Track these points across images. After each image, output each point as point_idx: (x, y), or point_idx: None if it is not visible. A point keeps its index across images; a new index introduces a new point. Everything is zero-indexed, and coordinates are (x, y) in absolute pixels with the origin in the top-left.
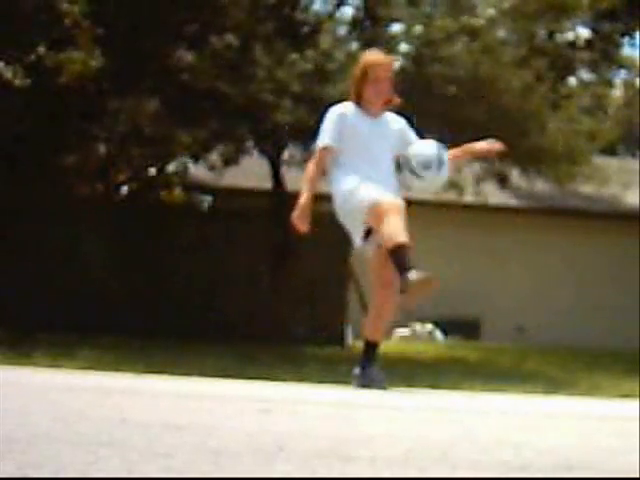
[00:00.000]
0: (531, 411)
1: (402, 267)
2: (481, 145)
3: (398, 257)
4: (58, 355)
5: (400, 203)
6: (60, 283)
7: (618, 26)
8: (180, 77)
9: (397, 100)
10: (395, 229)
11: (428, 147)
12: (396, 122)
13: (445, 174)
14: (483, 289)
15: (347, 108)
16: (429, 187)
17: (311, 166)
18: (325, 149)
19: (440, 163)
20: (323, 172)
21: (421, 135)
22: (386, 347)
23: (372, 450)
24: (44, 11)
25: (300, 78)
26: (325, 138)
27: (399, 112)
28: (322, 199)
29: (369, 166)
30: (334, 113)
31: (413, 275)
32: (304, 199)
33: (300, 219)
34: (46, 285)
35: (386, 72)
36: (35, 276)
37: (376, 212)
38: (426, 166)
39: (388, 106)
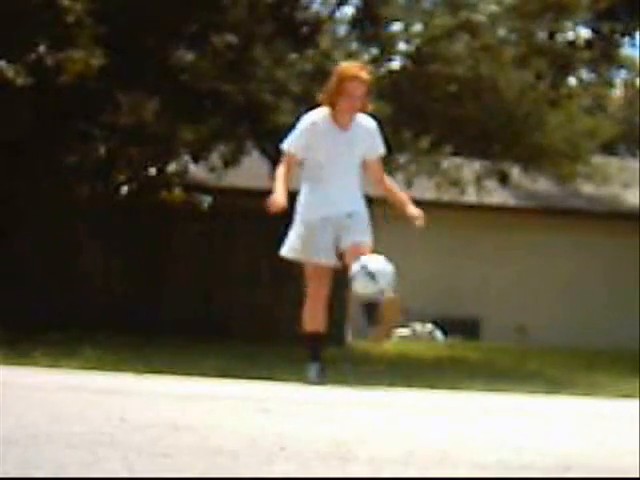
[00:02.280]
0: (531, 411)
1: (313, 352)
2: (412, 211)
3: (308, 342)
4: (58, 355)
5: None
6: (60, 283)
7: (618, 26)
8: (180, 76)
9: (369, 107)
10: (306, 315)
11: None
12: (365, 129)
13: (383, 285)
14: (483, 289)
15: (320, 117)
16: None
17: (281, 168)
18: (290, 155)
19: (375, 276)
20: (290, 170)
21: (386, 140)
22: (386, 347)
23: (372, 450)
24: (45, 9)
25: (300, 78)
26: (290, 144)
27: (372, 115)
28: None
29: (333, 178)
30: (307, 121)
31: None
32: (273, 195)
33: (273, 202)
34: (46, 285)
35: (362, 88)
36: (35, 275)
37: (307, 274)
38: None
39: (360, 112)
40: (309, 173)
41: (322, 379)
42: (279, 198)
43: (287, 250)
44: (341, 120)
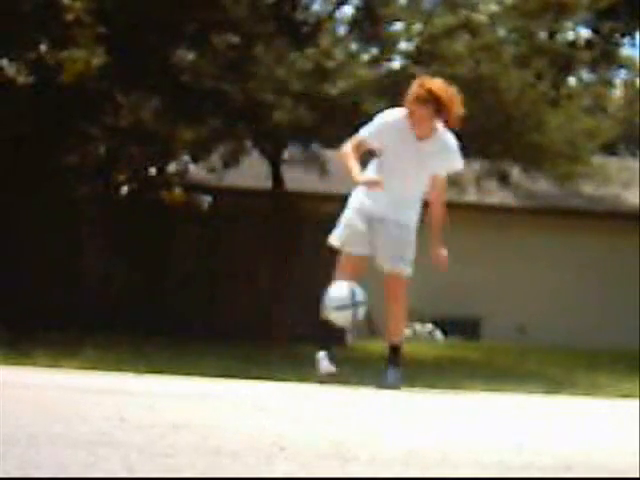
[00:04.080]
0: (531, 411)
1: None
2: (440, 253)
3: (323, 330)
4: (58, 355)
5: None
6: (60, 283)
7: (618, 26)
8: (180, 76)
9: (453, 120)
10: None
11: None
12: (443, 144)
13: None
14: (483, 289)
15: (400, 116)
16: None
17: (347, 148)
18: (362, 141)
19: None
20: (356, 155)
21: (470, 150)
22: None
23: (372, 450)
24: (45, 8)
25: (300, 77)
26: (366, 132)
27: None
28: (323, 199)
29: (397, 180)
30: (387, 116)
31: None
32: (356, 173)
33: (371, 184)
34: (47, 284)
35: (425, 111)
36: (35, 275)
37: (340, 259)
38: (339, 307)
39: (445, 127)
40: (379, 166)
41: (332, 372)
42: (368, 177)
43: (336, 239)
44: (417, 132)
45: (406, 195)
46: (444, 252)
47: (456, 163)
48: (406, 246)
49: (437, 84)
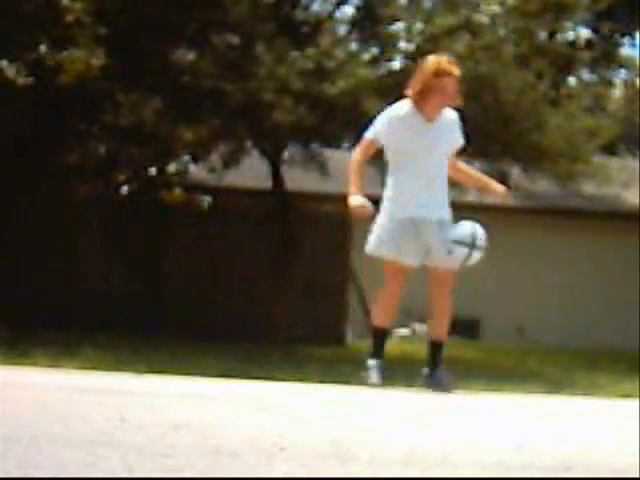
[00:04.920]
0: (531, 411)
1: (375, 348)
2: (497, 187)
3: (373, 338)
4: (58, 355)
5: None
6: (60, 283)
7: (618, 26)
8: (180, 76)
9: (457, 101)
10: (376, 309)
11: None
12: (450, 121)
13: (477, 255)
14: (482, 289)
15: (405, 109)
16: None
17: (357, 156)
18: (371, 142)
19: (473, 244)
20: (367, 161)
21: (466, 134)
22: (385, 347)
23: (372, 450)
24: (45, 8)
25: (300, 76)
26: (373, 131)
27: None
28: (323, 199)
29: (421, 173)
30: (392, 112)
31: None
32: (352, 192)
33: (357, 211)
34: (47, 284)
35: (455, 84)
36: (35, 275)
37: (386, 270)
38: (457, 242)
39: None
40: (395, 166)
41: (382, 380)
42: (360, 203)
43: (374, 247)
44: (429, 114)
45: (436, 187)
46: (499, 186)
47: (460, 139)
48: (451, 240)
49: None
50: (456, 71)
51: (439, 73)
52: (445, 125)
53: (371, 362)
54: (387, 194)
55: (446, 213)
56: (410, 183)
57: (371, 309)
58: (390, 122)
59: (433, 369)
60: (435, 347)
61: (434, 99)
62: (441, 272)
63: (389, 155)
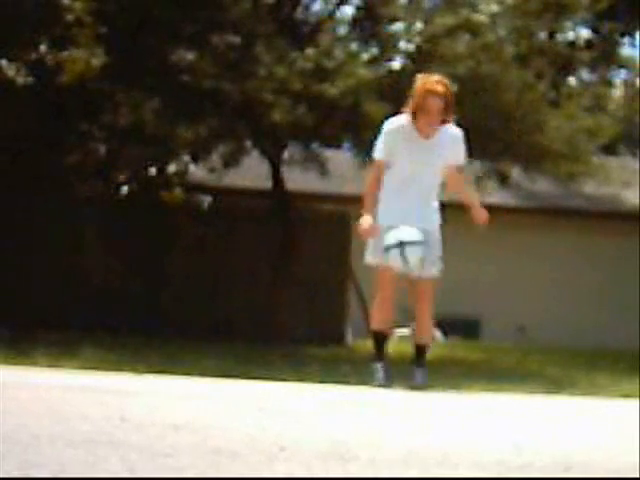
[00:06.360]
0: (531, 411)
1: (377, 352)
2: (480, 212)
3: (374, 341)
4: (58, 355)
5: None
6: (60, 282)
7: (618, 26)
8: (180, 76)
9: (451, 118)
10: (373, 313)
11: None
12: (450, 137)
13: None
14: (483, 289)
15: (403, 123)
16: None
17: (371, 181)
18: (379, 163)
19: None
20: (380, 181)
21: (470, 149)
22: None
23: (372, 450)
24: (45, 8)
25: (300, 77)
26: (378, 152)
27: (458, 124)
28: (323, 199)
29: (412, 187)
30: (391, 126)
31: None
32: (363, 214)
33: (365, 232)
34: (46, 284)
35: (439, 103)
36: (36, 275)
37: (379, 277)
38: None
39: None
40: (389, 179)
41: (388, 381)
42: (368, 225)
43: (369, 257)
44: (421, 131)
45: (425, 198)
46: (481, 212)
47: (460, 156)
48: (435, 249)
49: (444, 79)
50: (439, 89)
51: (423, 94)
52: (444, 142)
53: (375, 365)
54: (380, 207)
55: (432, 226)
56: (401, 196)
57: (370, 314)
58: (386, 138)
59: (415, 367)
60: (419, 350)
61: (421, 120)
62: (424, 280)
63: (387, 171)
